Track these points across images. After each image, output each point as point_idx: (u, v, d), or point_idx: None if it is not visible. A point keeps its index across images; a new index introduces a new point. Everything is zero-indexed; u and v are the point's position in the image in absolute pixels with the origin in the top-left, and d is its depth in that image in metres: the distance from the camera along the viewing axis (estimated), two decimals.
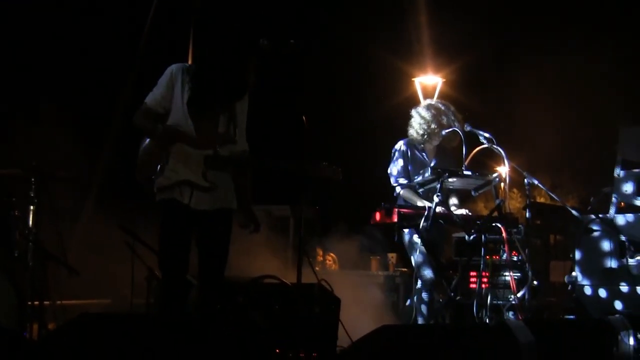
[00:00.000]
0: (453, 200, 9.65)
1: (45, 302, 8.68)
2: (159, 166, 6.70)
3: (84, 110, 13.81)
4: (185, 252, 6.75)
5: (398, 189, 9.69)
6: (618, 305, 9.02)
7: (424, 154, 9.83)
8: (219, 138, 6.77)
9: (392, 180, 9.78)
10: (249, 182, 7.10)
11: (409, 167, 9.74)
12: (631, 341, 8.06)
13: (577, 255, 9.54)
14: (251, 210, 7.10)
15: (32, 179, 8.49)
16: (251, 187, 7.14)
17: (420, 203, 9.36)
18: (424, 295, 9.08)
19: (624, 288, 9.04)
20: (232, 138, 6.83)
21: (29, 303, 8.25)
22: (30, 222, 8.44)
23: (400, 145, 9.88)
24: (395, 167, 9.79)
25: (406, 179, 9.66)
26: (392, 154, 9.89)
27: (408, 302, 8.93)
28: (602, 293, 9.21)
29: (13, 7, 13.14)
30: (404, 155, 9.78)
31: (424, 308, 8.92)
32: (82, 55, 14.21)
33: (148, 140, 6.82)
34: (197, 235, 6.80)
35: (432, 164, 9.61)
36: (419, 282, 9.10)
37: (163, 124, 6.73)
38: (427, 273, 9.11)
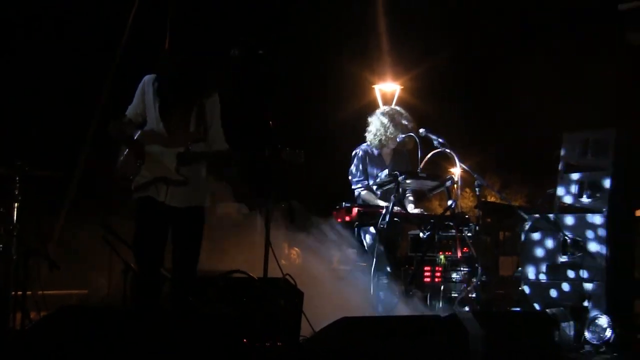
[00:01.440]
0: (409, 200, 9.70)
1: (28, 293, 8.69)
2: (136, 167, 6.76)
3: (64, 113, 13.77)
4: (159, 247, 6.80)
5: (357, 190, 9.74)
6: (561, 298, 9.09)
7: (381, 157, 9.88)
8: (190, 136, 6.84)
9: (352, 182, 9.83)
10: (236, 172, 7.19)
11: (367, 170, 9.79)
12: (571, 331, 8.16)
13: (524, 251, 9.61)
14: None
15: (16, 178, 8.49)
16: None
17: (379, 202, 9.42)
18: (381, 288, 9.11)
19: (566, 282, 9.12)
20: (202, 136, 6.89)
21: (12, 293, 8.26)
22: (15, 218, 8.44)
23: (359, 149, 9.93)
24: (354, 170, 9.84)
25: (365, 181, 9.72)
26: (352, 157, 9.94)
27: (373, 292, 8.94)
28: (547, 287, 9.29)
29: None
30: (362, 158, 9.84)
31: (381, 301, 8.96)
32: (63, 59, 14.15)
33: (125, 148, 6.90)
34: (171, 232, 6.85)
35: (388, 167, 9.66)
36: (377, 277, 9.14)
37: (140, 131, 6.87)
38: (384, 268, 9.15)
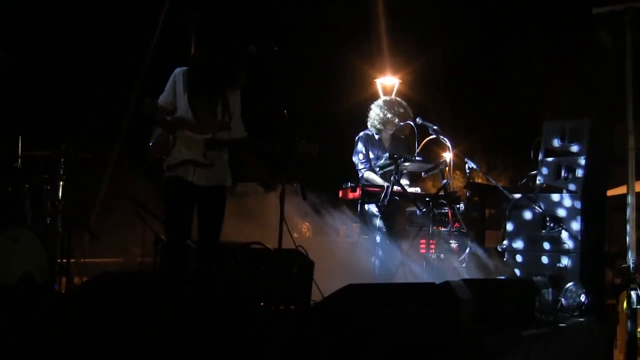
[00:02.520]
0: (405, 181, 9.69)
1: (72, 261, 8.72)
2: (168, 148, 6.78)
3: (103, 102, 13.77)
4: (187, 221, 6.85)
5: (362, 171, 9.74)
6: (541, 266, 9.09)
7: (381, 141, 9.87)
8: (216, 124, 6.90)
9: (356, 163, 9.83)
10: (254, 157, 7.24)
11: (369, 153, 9.78)
12: (550, 297, 8.14)
13: (508, 226, 9.59)
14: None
15: (62, 159, 8.52)
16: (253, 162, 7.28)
17: (380, 182, 9.42)
18: (380, 258, 9.11)
19: (545, 253, 9.11)
20: (228, 125, 6.97)
21: (58, 261, 8.29)
22: (60, 195, 8.47)
23: (360, 135, 9.93)
24: (358, 152, 9.84)
25: (367, 163, 9.71)
26: (356, 142, 9.93)
27: (375, 262, 8.95)
28: (528, 257, 9.28)
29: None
30: (365, 142, 9.83)
31: (381, 269, 8.95)
32: (104, 56, 14.13)
33: (160, 130, 6.91)
34: (197, 208, 6.88)
35: (387, 150, 9.66)
36: (378, 249, 9.13)
37: (170, 116, 6.89)
38: (384, 240, 9.14)
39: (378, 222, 9.04)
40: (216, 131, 6.89)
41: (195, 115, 6.90)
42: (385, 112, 9.73)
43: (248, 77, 7.10)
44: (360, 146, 9.87)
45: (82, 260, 9.18)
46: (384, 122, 9.73)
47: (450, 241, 9.28)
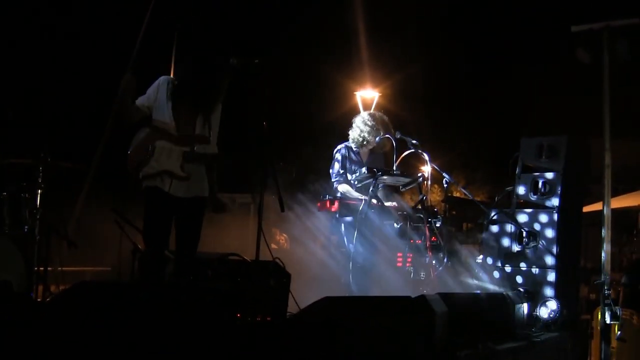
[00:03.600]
0: (381, 194, 9.72)
1: (49, 269, 8.72)
2: (146, 158, 6.83)
3: (83, 111, 13.77)
4: (165, 231, 6.88)
5: (336, 184, 9.77)
6: (517, 281, 9.14)
7: (359, 155, 9.91)
8: (195, 138, 6.94)
9: (332, 176, 9.86)
10: (215, 176, 7.25)
11: (347, 166, 9.82)
12: (525, 311, 8.20)
13: (484, 240, 9.65)
14: (218, 198, 7.27)
15: (40, 167, 8.53)
16: (217, 180, 7.28)
17: (355, 195, 9.45)
18: (357, 271, 9.12)
19: (520, 268, 9.17)
20: (207, 139, 7.04)
21: (36, 269, 8.29)
22: (38, 203, 8.47)
23: (340, 147, 9.96)
24: (336, 166, 9.87)
25: (343, 176, 9.75)
26: (334, 155, 9.97)
27: (351, 275, 8.97)
28: (504, 272, 9.33)
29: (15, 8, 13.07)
30: (343, 156, 9.87)
31: (357, 283, 8.97)
32: (85, 64, 14.13)
33: (141, 136, 6.97)
34: (175, 219, 6.90)
35: (365, 164, 9.68)
36: (354, 261, 9.15)
37: (148, 120, 6.98)
38: (360, 254, 9.15)
39: (354, 235, 9.06)
40: (195, 144, 6.93)
41: (177, 126, 6.94)
42: (367, 130, 9.76)
43: (229, 90, 7.15)
44: (337, 159, 9.90)
45: (60, 268, 9.18)
46: (365, 139, 9.76)
47: (427, 255, 9.32)
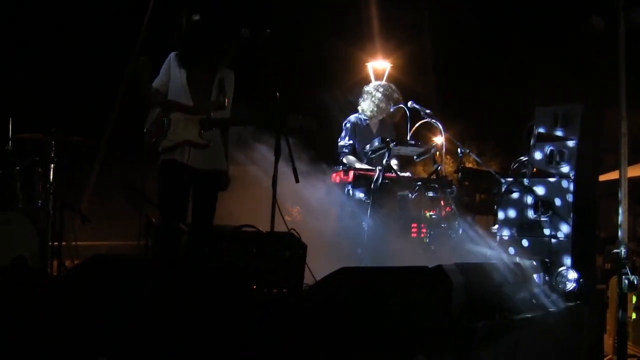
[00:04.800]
0: (395, 163, 9.68)
1: (63, 243, 8.71)
2: (163, 131, 6.92)
3: (95, 85, 13.73)
4: (183, 204, 6.92)
5: (342, 156, 9.75)
6: (532, 251, 9.08)
7: (369, 127, 9.86)
8: (212, 105, 7.00)
9: (339, 147, 9.84)
10: (227, 145, 7.25)
11: (355, 138, 9.79)
12: (541, 281, 8.15)
13: (499, 211, 9.58)
14: (227, 173, 7.29)
15: (52, 142, 8.51)
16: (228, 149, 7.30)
17: (359, 165, 9.44)
18: (372, 242, 9.09)
19: (536, 238, 9.10)
20: (223, 105, 7.07)
21: (50, 244, 8.28)
22: (51, 178, 8.46)
23: (350, 118, 9.92)
24: (343, 136, 9.85)
25: (350, 147, 9.72)
26: (343, 126, 9.93)
27: (366, 246, 8.94)
28: (519, 242, 9.27)
29: None
30: (352, 127, 9.85)
31: (372, 253, 8.94)
32: (96, 38, 14.07)
33: (156, 112, 7.01)
34: (192, 191, 6.90)
35: (375, 135, 9.64)
36: (369, 232, 9.12)
37: (165, 97, 6.99)
38: (375, 224, 9.12)
39: (369, 206, 9.02)
40: (211, 111, 6.92)
41: (192, 95, 7.01)
42: (380, 98, 9.71)
43: (240, 61, 7.15)
44: (346, 130, 9.87)
45: (74, 243, 9.18)
46: (378, 108, 9.72)
47: (442, 225, 9.27)
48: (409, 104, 9.52)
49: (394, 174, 9.26)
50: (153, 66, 7.07)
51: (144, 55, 7.01)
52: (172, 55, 7.10)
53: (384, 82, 10.35)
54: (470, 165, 16.56)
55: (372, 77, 20.99)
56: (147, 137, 6.98)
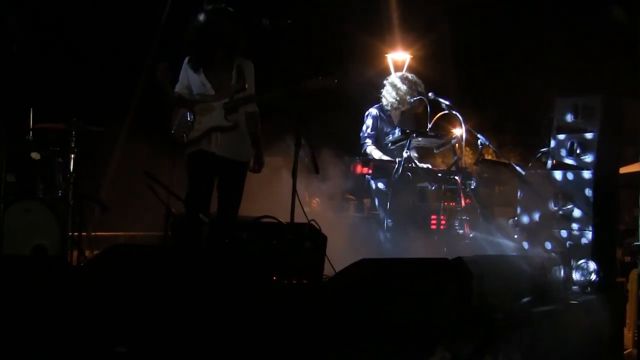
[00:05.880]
0: (414, 154, 9.66)
1: (83, 233, 8.74)
2: (189, 125, 7.02)
3: (114, 76, 13.76)
4: (207, 195, 6.95)
5: (365, 146, 9.73)
6: (553, 243, 9.04)
7: (390, 118, 9.85)
8: (233, 88, 7.03)
9: (362, 138, 9.83)
10: (258, 127, 7.25)
11: (377, 129, 9.78)
12: (561, 274, 8.11)
13: (519, 202, 9.55)
14: (260, 152, 7.24)
15: (73, 132, 8.54)
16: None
17: (380, 156, 9.43)
18: (388, 234, 9.09)
19: (556, 230, 9.06)
20: (243, 87, 7.05)
21: (70, 234, 8.30)
22: (71, 168, 8.49)
23: (371, 110, 9.91)
24: (365, 128, 9.84)
25: (372, 138, 9.72)
26: (365, 117, 9.93)
27: (386, 238, 8.94)
28: (539, 234, 9.23)
29: None
30: (374, 118, 9.84)
31: (392, 245, 8.93)
32: (116, 28, 14.08)
33: (179, 113, 7.12)
34: (218, 181, 6.95)
35: (397, 126, 9.63)
36: (387, 223, 9.12)
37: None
38: (390, 217, 9.11)
39: (389, 197, 9.01)
40: (233, 94, 6.97)
41: (213, 84, 7.07)
42: (404, 90, 9.70)
43: (261, 51, 7.17)
44: (368, 121, 9.87)
45: (93, 233, 9.22)
46: (400, 100, 9.70)
47: (462, 217, 9.25)
48: (430, 95, 9.50)
49: (413, 165, 9.23)
50: (172, 69, 7.14)
51: (162, 62, 7.07)
52: (186, 59, 7.18)
53: (406, 73, 10.31)
54: (489, 157, 16.52)
55: (391, 69, 20.95)
56: (177, 137, 7.05)
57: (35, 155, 8.18)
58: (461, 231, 9.25)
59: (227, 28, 6.99)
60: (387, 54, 22.20)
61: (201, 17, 7.00)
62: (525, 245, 9.17)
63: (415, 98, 9.59)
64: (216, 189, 7.05)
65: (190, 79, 7.13)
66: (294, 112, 6.48)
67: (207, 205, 6.99)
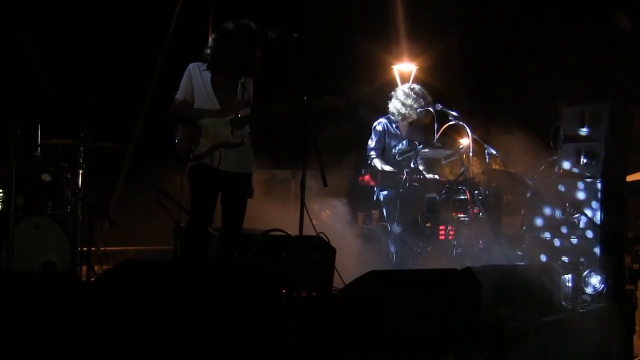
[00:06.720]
0: (423, 167, 9.67)
1: (92, 249, 8.75)
2: (195, 139, 6.95)
3: (122, 90, 13.78)
4: (211, 208, 6.90)
5: (370, 158, 9.75)
6: (561, 252, 9.05)
7: (398, 129, 9.85)
8: (239, 103, 7.02)
9: (368, 149, 9.83)
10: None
11: (385, 140, 9.78)
12: (570, 283, 8.11)
13: (527, 212, 9.55)
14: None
15: (81, 148, 8.56)
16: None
17: (387, 168, 9.43)
18: (396, 246, 9.10)
19: (564, 239, 9.06)
20: (249, 102, 7.09)
21: (79, 249, 8.30)
22: (80, 183, 8.51)
23: (379, 122, 9.91)
24: (372, 140, 9.84)
25: (379, 150, 9.72)
26: (372, 129, 9.93)
27: (394, 249, 8.96)
28: (547, 243, 9.23)
29: None
30: (382, 130, 9.83)
31: (400, 256, 8.95)
32: (123, 43, 14.11)
33: (182, 126, 7.05)
34: (221, 195, 6.92)
35: (404, 138, 9.63)
36: (395, 234, 9.13)
37: (192, 109, 7.02)
38: (398, 228, 9.12)
39: (396, 208, 9.03)
40: (240, 109, 6.99)
41: (219, 100, 7.02)
42: (411, 101, 9.71)
43: (268, 64, 7.17)
44: (375, 134, 9.87)
45: (103, 248, 9.22)
46: (408, 111, 9.71)
47: (470, 227, 9.25)
48: (437, 106, 9.51)
49: (421, 176, 9.25)
50: (172, 78, 7.14)
51: (171, 106, 7.08)
52: (191, 66, 7.10)
53: (413, 84, 10.32)
54: (497, 166, 16.51)
55: (397, 80, 20.97)
56: (181, 149, 7.00)
57: (45, 177, 8.18)
58: (470, 241, 9.24)
59: (245, 50, 6.99)
60: (393, 65, 22.19)
61: (230, 25, 7.00)
62: (534, 254, 9.18)
63: (422, 109, 9.60)
64: (219, 202, 7.04)
65: (195, 86, 7.06)
66: (302, 127, 6.50)
67: (211, 217, 6.98)
